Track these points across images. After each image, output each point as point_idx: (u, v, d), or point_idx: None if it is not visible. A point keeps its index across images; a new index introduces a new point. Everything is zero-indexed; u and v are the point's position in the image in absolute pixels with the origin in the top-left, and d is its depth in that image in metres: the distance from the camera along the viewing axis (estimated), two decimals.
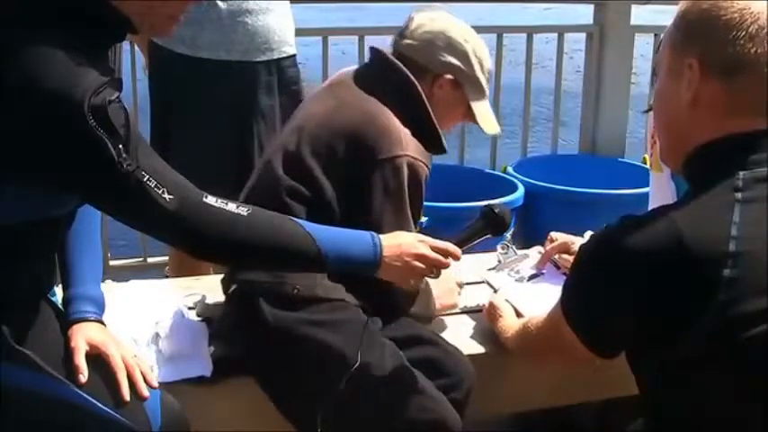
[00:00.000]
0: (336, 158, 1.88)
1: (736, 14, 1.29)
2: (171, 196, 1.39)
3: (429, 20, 2.00)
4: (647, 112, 2.70)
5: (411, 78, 1.94)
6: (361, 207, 1.86)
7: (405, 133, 1.88)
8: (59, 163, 1.34)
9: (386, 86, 1.94)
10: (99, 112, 1.30)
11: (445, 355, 1.93)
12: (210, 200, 1.46)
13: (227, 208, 1.47)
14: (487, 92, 2.06)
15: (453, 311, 2.17)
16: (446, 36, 1.97)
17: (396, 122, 1.89)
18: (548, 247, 2.19)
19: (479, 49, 2.01)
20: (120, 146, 1.33)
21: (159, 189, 1.38)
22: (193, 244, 1.51)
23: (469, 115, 2.04)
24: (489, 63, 2.05)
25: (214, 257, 1.65)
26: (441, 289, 2.08)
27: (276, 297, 1.86)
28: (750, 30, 1.28)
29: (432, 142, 1.95)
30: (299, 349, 1.83)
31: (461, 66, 1.98)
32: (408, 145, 1.87)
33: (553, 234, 2.27)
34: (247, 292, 1.94)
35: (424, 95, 1.94)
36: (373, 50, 2.04)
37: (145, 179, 1.37)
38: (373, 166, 1.84)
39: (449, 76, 1.98)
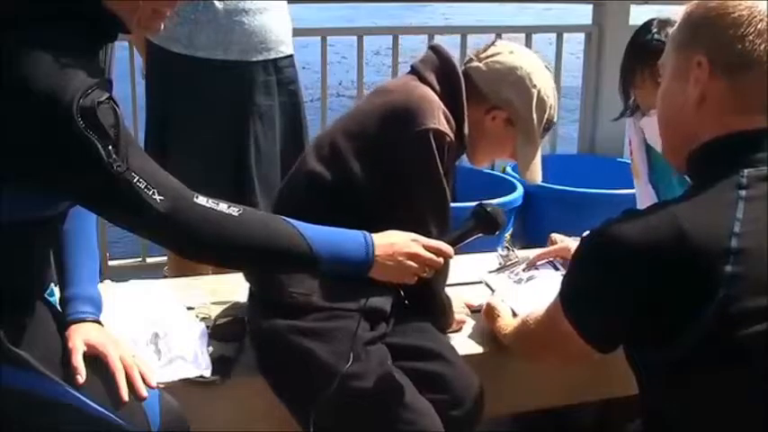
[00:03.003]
0: (367, 134, 1.85)
1: (744, 12, 1.30)
2: (161, 197, 1.39)
3: (508, 51, 1.95)
4: (617, 119, 2.71)
5: (456, 70, 1.91)
6: (394, 182, 1.83)
7: (438, 106, 1.84)
8: (50, 164, 1.34)
9: (432, 70, 1.91)
10: (88, 113, 1.30)
11: (450, 370, 1.89)
12: (202, 200, 1.45)
13: (219, 208, 1.46)
14: (539, 141, 1.99)
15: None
16: (516, 74, 1.92)
17: (430, 96, 1.85)
18: (546, 249, 2.19)
19: (545, 98, 1.95)
20: (110, 147, 1.33)
21: (149, 190, 1.37)
22: (184, 245, 1.50)
23: (514, 156, 2.00)
24: (554, 114, 1.99)
25: (205, 258, 1.63)
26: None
27: (273, 304, 1.86)
28: (759, 26, 1.29)
29: (458, 133, 1.90)
30: (288, 357, 1.83)
31: (520, 108, 1.93)
32: (440, 119, 1.82)
33: (554, 236, 2.27)
34: (252, 295, 1.96)
35: (463, 89, 1.90)
36: (433, 47, 1.99)
37: (135, 180, 1.36)
38: (403, 139, 1.81)
39: (504, 113, 1.94)
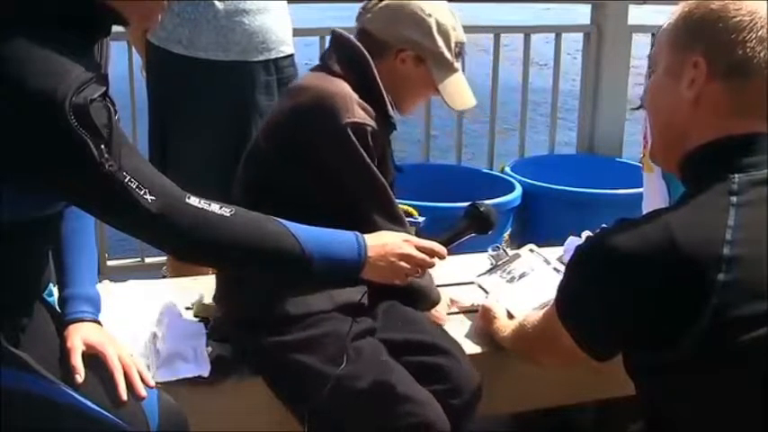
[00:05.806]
0: (285, 136, 1.85)
1: (746, 17, 1.28)
2: (153, 197, 1.38)
3: None
4: (635, 109, 2.72)
5: (360, 49, 1.89)
6: (324, 180, 1.83)
7: (350, 98, 1.82)
8: (42, 162, 1.34)
9: (337, 60, 1.90)
10: (81, 111, 1.29)
11: (447, 361, 1.89)
12: (193, 201, 1.44)
13: (210, 209, 1.45)
14: (457, 65, 1.97)
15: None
16: (407, 10, 1.91)
17: (342, 90, 1.84)
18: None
19: (445, 23, 1.92)
20: (102, 146, 1.32)
21: (141, 190, 1.37)
22: (175, 245, 1.50)
23: (438, 90, 1.97)
24: (460, 35, 1.96)
25: (197, 258, 1.62)
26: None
27: (252, 321, 1.86)
28: (760, 33, 1.28)
29: (382, 114, 1.89)
30: (281, 373, 1.84)
31: (423, 41, 1.91)
32: (354, 110, 1.81)
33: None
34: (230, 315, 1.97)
35: (372, 65, 1.88)
36: (334, 34, 1.98)
37: (126, 180, 1.35)
38: (323, 138, 1.81)
39: (411, 52, 1.92)
